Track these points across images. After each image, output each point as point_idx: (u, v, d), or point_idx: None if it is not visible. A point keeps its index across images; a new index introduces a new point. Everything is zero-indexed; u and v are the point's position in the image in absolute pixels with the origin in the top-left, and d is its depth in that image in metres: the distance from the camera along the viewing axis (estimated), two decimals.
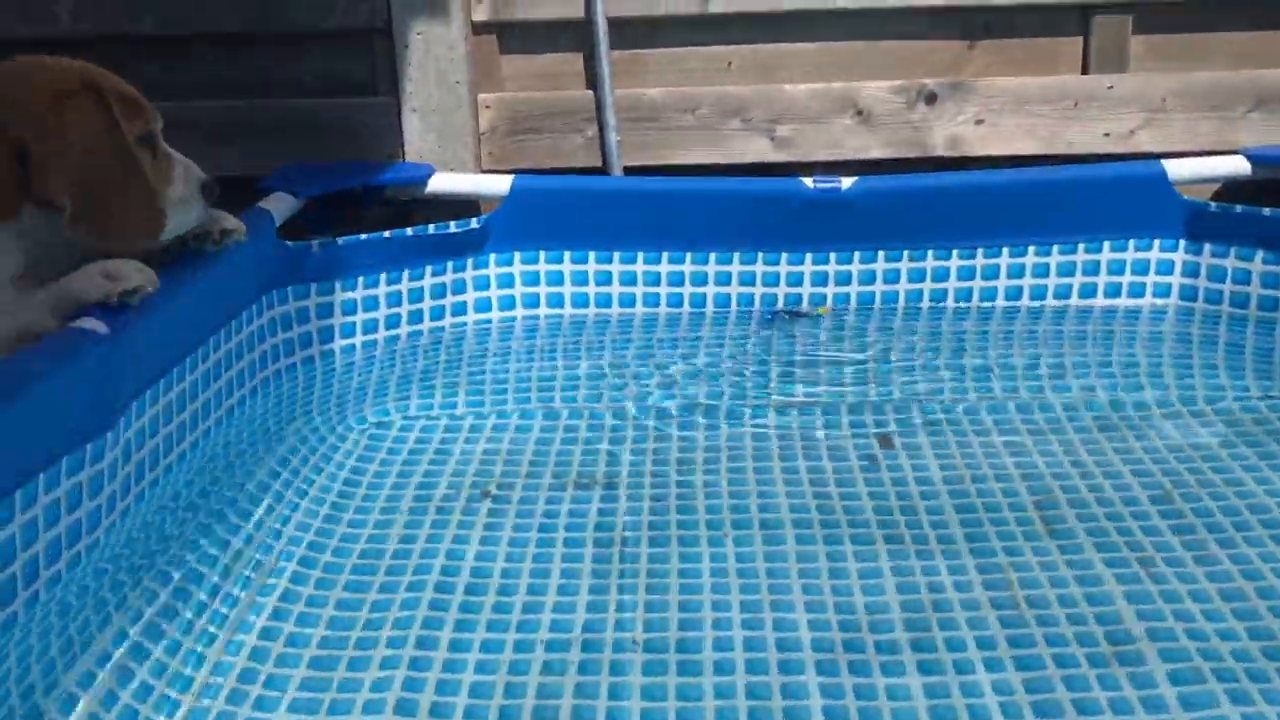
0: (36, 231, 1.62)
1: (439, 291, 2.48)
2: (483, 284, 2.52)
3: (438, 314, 2.49)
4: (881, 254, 2.51)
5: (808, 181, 2.45)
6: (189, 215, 1.75)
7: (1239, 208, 2.46)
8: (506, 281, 2.53)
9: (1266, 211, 2.43)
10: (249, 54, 2.60)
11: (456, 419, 2.27)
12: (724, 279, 2.54)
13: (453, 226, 2.45)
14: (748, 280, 2.54)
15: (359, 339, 2.41)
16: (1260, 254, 2.43)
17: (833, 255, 2.51)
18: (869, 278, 2.54)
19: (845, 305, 2.55)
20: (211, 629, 1.60)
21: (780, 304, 2.55)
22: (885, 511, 1.90)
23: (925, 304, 2.55)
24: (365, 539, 1.89)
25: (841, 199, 2.45)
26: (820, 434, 2.17)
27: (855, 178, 2.44)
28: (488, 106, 2.60)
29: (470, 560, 1.81)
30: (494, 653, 1.54)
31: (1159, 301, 2.55)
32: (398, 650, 1.55)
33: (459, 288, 2.50)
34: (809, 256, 2.51)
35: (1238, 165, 2.52)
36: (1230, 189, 2.59)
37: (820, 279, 2.54)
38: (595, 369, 2.43)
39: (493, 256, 2.51)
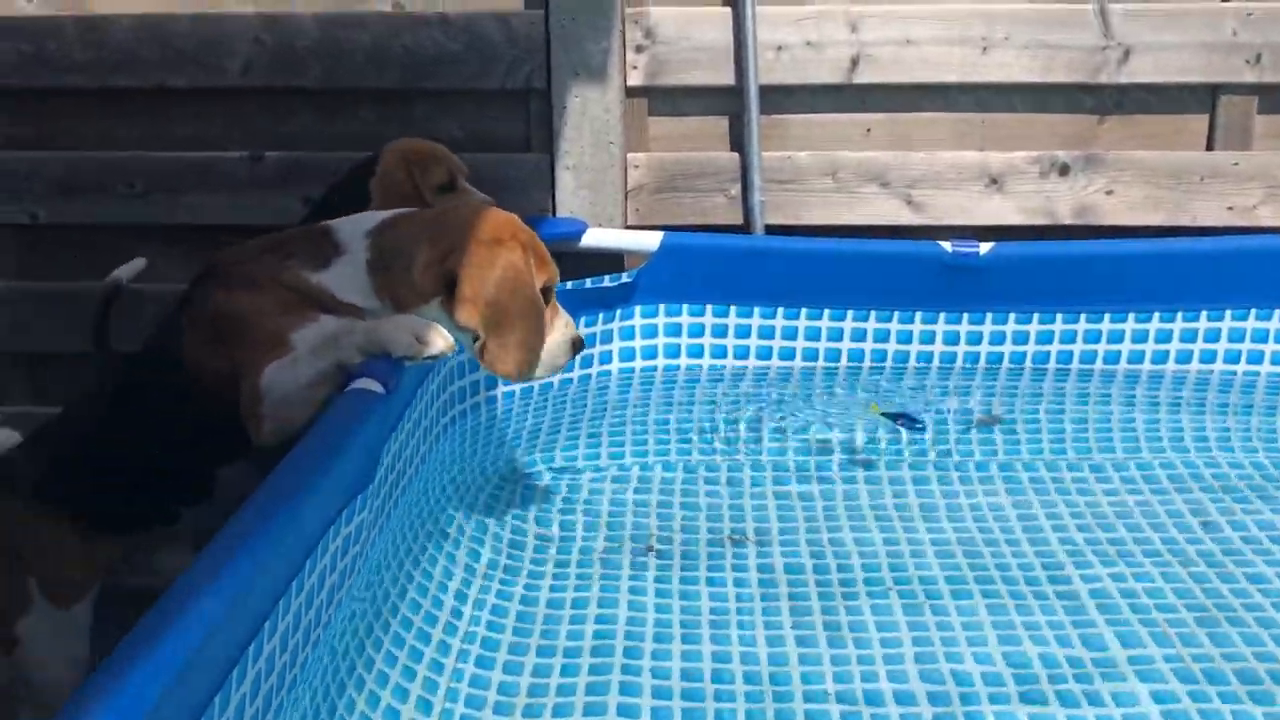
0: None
1: (589, 342, 2.59)
2: (628, 335, 2.64)
3: (586, 363, 2.61)
4: (1012, 316, 2.62)
5: (945, 246, 2.57)
6: (555, 363, 1.97)
7: None
8: (650, 333, 2.65)
9: None
10: (407, 110, 2.73)
11: (600, 470, 2.37)
12: (859, 335, 2.66)
13: (607, 280, 2.57)
14: (881, 338, 2.66)
15: (518, 386, 2.52)
16: None
17: (965, 316, 2.63)
18: (998, 339, 2.65)
19: (974, 364, 2.66)
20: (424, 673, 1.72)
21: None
22: (1028, 568, 1.99)
23: (1051, 365, 2.66)
24: (547, 589, 2.00)
25: (979, 264, 2.56)
26: (960, 494, 2.28)
27: (993, 243, 2.55)
28: (636, 166, 2.72)
29: (652, 613, 1.93)
30: (694, 700, 1.66)
31: (1276, 369, 2.64)
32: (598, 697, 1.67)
33: (606, 338, 2.62)
34: (942, 316, 2.63)
35: None
36: None
37: (951, 338, 2.65)
38: (731, 420, 2.54)
39: (638, 309, 2.64)
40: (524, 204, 2.70)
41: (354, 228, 1.92)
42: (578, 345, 2.00)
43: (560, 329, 1.97)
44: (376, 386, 1.62)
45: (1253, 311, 2.61)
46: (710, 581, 2.00)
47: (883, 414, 2.43)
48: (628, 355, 2.65)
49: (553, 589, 2.00)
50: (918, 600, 1.90)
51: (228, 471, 1.95)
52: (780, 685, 1.70)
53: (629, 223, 2.75)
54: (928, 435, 2.40)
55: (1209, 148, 2.70)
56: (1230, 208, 2.70)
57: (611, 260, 2.69)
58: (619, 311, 2.62)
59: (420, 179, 2.29)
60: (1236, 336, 2.63)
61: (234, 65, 2.70)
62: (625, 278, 2.59)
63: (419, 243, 1.89)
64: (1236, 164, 2.67)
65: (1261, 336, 2.62)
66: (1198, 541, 2.01)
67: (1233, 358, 2.64)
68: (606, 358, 2.64)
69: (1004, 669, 1.71)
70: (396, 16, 2.67)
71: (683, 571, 2.04)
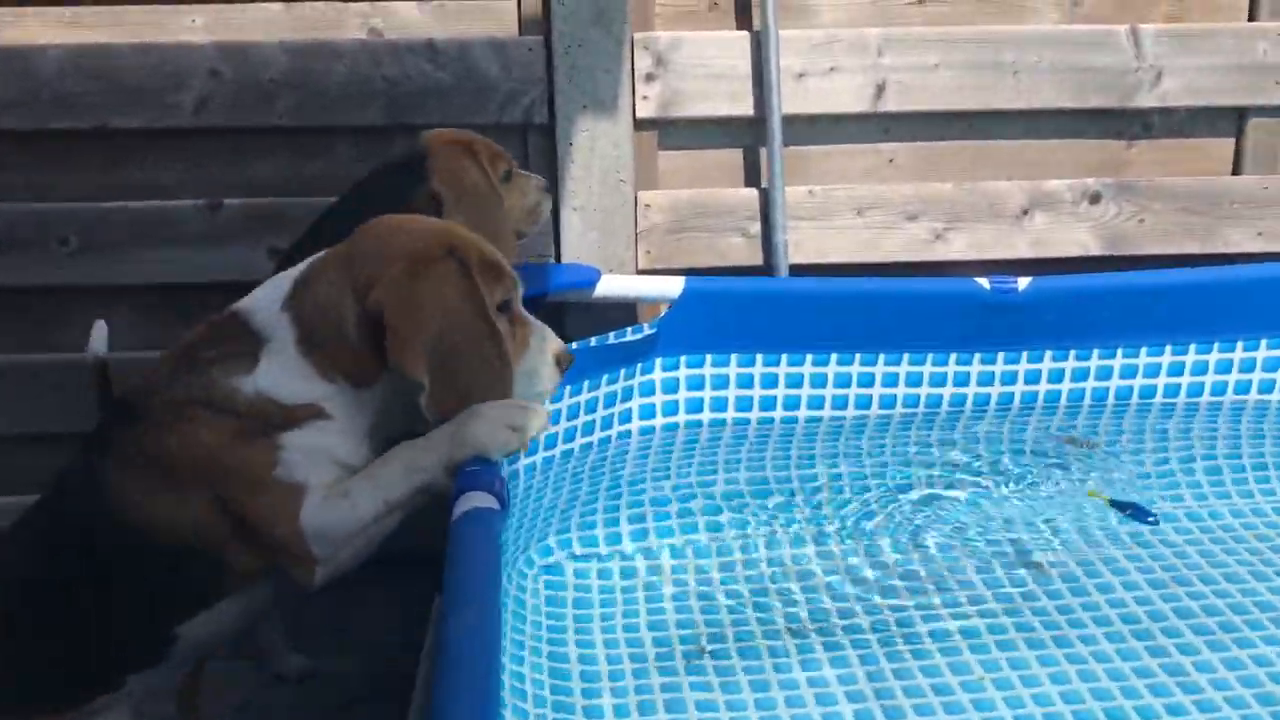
0: (391, 394, 1.53)
1: (610, 401, 2.37)
2: (648, 390, 2.42)
3: (606, 424, 2.38)
4: (1049, 354, 2.49)
5: (983, 282, 2.41)
6: (537, 387, 1.62)
7: None
8: (671, 387, 2.43)
9: None
10: (390, 149, 2.44)
11: (627, 557, 2.13)
12: (890, 380, 2.48)
13: (630, 333, 2.34)
14: (914, 382, 2.49)
15: (539, 456, 2.28)
16: None
17: (1001, 355, 2.48)
18: (1034, 377, 2.51)
19: (1009, 405, 2.52)
20: None
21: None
22: (1133, 621, 1.85)
23: (1086, 402, 2.54)
24: (611, 711, 1.78)
25: (1018, 301, 2.41)
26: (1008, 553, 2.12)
27: (1031, 278, 2.41)
28: (648, 205, 2.50)
29: None
30: None
31: None
32: None
33: (627, 396, 2.39)
34: (977, 357, 2.48)
35: None
36: None
37: (986, 379, 2.50)
38: (759, 479, 2.32)
39: (658, 362, 2.41)
40: (523, 251, 2.45)
41: (268, 302, 1.54)
42: (563, 361, 1.67)
43: (534, 348, 1.62)
44: (492, 503, 1.36)
45: None
46: (783, 685, 1.80)
47: (1111, 502, 2.21)
48: (647, 413, 2.42)
49: (617, 710, 1.77)
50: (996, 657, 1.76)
51: (191, 629, 1.59)
52: None
53: (640, 266, 2.53)
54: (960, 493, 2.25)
55: (1235, 172, 2.62)
56: (1260, 233, 2.62)
57: (620, 309, 2.46)
58: (638, 367, 2.39)
59: (490, 170, 2.01)
60: (1272, 365, 2.54)
61: (186, 101, 2.38)
62: (647, 329, 2.37)
63: (344, 295, 1.49)
64: (1266, 188, 2.59)
65: None
66: None
67: (1268, 387, 2.55)
68: (626, 417, 2.41)
69: None
70: (377, 45, 2.38)
71: (748, 676, 1.84)
